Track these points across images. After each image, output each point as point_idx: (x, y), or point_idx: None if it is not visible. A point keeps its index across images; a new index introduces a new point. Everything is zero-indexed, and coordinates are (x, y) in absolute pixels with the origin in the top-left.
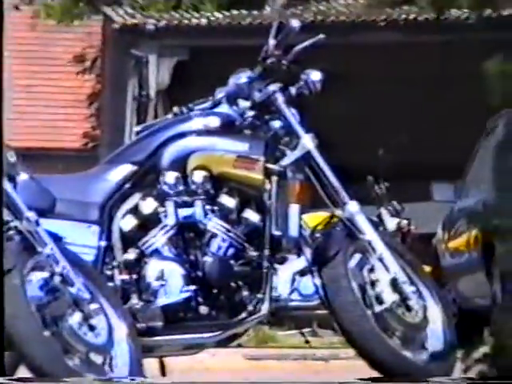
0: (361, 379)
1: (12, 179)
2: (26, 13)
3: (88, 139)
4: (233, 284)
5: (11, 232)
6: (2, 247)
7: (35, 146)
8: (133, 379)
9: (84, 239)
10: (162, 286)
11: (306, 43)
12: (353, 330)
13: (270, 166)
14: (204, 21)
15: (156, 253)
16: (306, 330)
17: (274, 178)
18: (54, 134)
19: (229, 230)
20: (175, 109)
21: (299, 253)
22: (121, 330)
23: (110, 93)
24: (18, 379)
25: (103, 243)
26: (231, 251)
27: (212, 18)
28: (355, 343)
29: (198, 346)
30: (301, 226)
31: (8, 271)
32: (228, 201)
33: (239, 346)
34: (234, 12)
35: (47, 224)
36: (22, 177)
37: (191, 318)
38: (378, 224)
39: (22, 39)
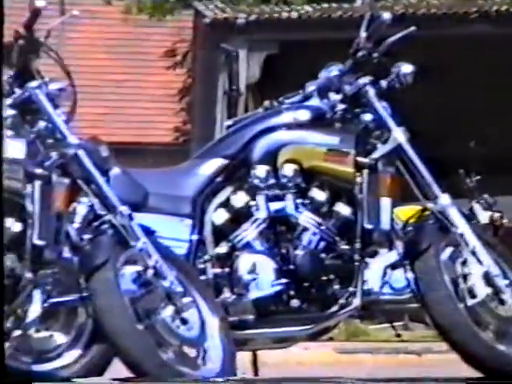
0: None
1: (105, 173)
2: (118, 8)
3: (179, 133)
4: (324, 277)
5: (104, 226)
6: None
7: (127, 140)
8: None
9: (176, 233)
10: (254, 279)
11: (397, 36)
12: (445, 323)
13: (360, 159)
14: (294, 14)
15: (247, 246)
16: (397, 324)
17: (365, 172)
18: (146, 128)
19: (320, 224)
20: (266, 103)
21: (391, 246)
22: (213, 323)
23: (201, 87)
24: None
25: (195, 237)
26: (322, 245)
27: (302, 12)
28: (448, 337)
29: (289, 340)
30: (392, 220)
31: (102, 265)
32: (319, 194)
33: (330, 339)
34: (324, 5)
35: (140, 218)
36: (115, 171)
37: (282, 311)
38: (470, 217)
39: (114, 34)
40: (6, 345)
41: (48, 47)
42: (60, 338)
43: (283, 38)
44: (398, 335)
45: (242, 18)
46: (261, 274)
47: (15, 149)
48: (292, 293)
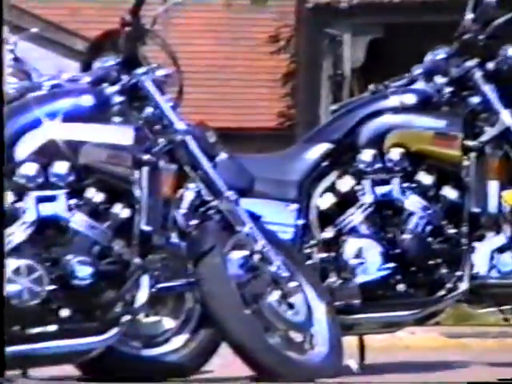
0: None
1: (212, 159)
2: None
3: (283, 118)
4: (431, 262)
5: (211, 212)
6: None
7: (232, 126)
8: None
9: (282, 218)
10: (361, 264)
11: (504, 18)
12: None
13: (468, 142)
14: None
15: (354, 231)
16: (505, 308)
17: (473, 155)
18: (250, 113)
19: (427, 208)
20: (371, 87)
21: (498, 230)
22: (320, 308)
23: (305, 72)
24: None
25: (301, 221)
26: (429, 229)
27: None
28: None
29: (396, 324)
30: (500, 203)
31: (209, 250)
32: (426, 178)
33: (437, 324)
34: None
35: (246, 203)
36: (222, 156)
37: (389, 295)
38: None
39: (216, 20)
40: (114, 330)
41: (154, 34)
42: (168, 323)
43: (387, 21)
44: (506, 319)
45: (344, 2)
46: (367, 258)
47: (123, 135)
48: (399, 277)
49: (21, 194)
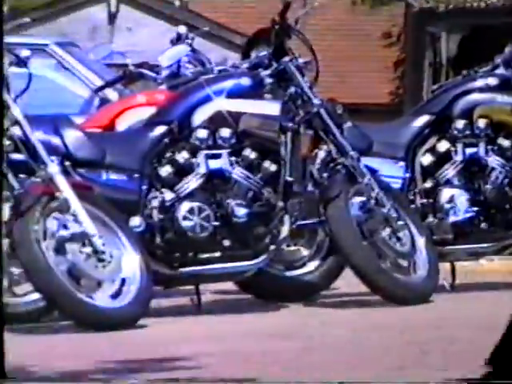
0: None
1: (339, 126)
2: (346, 1)
3: (394, 96)
4: (507, 206)
5: (339, 167)
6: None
7: (355, 101)
8: None
9: (393, 172)
10: (452, 207)
11: None
12: None
13: None
14: (483, 4)
15: (448, 182)
16: None
17: None
18: (369, 93)
19: (505, 165)
20: (463, 72)
21: None
22: (421, 241)
23: (411, 61)
24: None
25: (407, 175)
26: (506, 181)
27: (489, 2)
28: None
29: (478, 254)
30: None
31: (336, 196)
32: (505, 142)
33: (511, 254)
34: None
35: (365, 160)
36: (347, 125)
37: (474, 232)
38: None
39: (342, 20)
40: (264, 256)
41: (298, 31)
42: (304, 252)
43: (474, 23)
44: None
45: (442, 7)
46: (457, 203)
47: (273, 108)
48: (482, 218)
49: (195, 152)
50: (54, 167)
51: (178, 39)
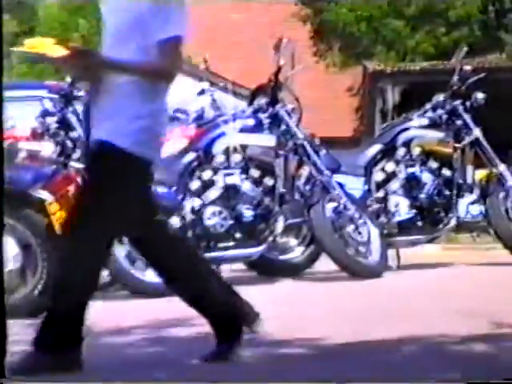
0: None
1: (317, 153)
2: (322, 65)
3: (356, 131)
4: (436, 209)
5: (317, 182)
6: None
7: (329, 135)
8: None
9: (356, 185)
10: (397, 210)
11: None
12: None
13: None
14: (418, 67)
15: (394, 193)
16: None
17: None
18: (339, 129)
19: (434, 180)
20: (404, 115)
21: None
22: (375, 233)
23: (367, 107)
24: None
25: (366, 187)
26: (435, 192)
27: (422, 66)
28: None
29: (415, 243)
30: None
31: (315, 202)
32: (433, 164)
33: (437, 243)
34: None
35: (336, 177)
36: (323, 152)
37: (412, 227)
38: None
39: (320, 78)
40: (264, 245)
41: (287, 87)
42: (293, 241)
43: (412, 80)
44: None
45: (389, 69)
46: (401, 207)
47: (270, 140)
48: (418, 217)
49: (215, 172)
50: None
51: (202, 92)
